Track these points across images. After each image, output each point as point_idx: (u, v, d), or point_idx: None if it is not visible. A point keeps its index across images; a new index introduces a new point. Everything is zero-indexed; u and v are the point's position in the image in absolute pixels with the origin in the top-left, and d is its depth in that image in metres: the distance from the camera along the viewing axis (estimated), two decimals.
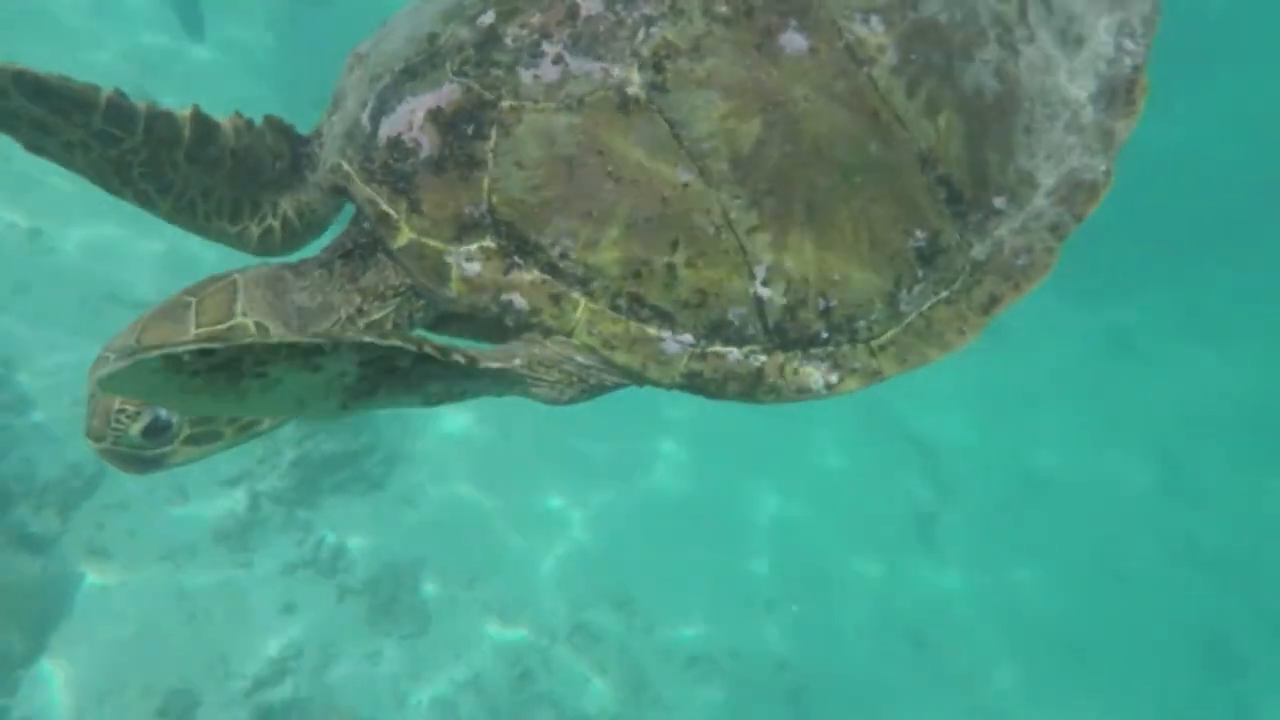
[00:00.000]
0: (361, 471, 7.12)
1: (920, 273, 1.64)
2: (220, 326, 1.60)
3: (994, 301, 1.69)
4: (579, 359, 1.60)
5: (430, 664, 6.36)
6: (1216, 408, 11.07)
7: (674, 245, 1.53)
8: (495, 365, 1.48)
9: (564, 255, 1.54)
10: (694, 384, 1.60)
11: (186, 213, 1.76)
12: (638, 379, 1.63)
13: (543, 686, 6.55)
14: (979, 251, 1.70)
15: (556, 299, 1.55)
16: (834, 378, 1.62)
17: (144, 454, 1.59)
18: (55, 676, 5.21)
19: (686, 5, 1.57)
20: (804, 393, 1.62)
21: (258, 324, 1.63)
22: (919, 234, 1.63)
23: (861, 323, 1.62)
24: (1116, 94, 1.80)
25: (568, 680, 6.66)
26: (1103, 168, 1.76)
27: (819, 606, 7.78)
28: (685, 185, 1.52)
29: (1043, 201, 1.73)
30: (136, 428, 1.55)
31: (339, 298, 1.72)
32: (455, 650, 6.50)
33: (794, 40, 1.57)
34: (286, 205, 1.87)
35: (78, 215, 7.27)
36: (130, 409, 1.55)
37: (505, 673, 6.56)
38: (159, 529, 6.32)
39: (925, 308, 1.67)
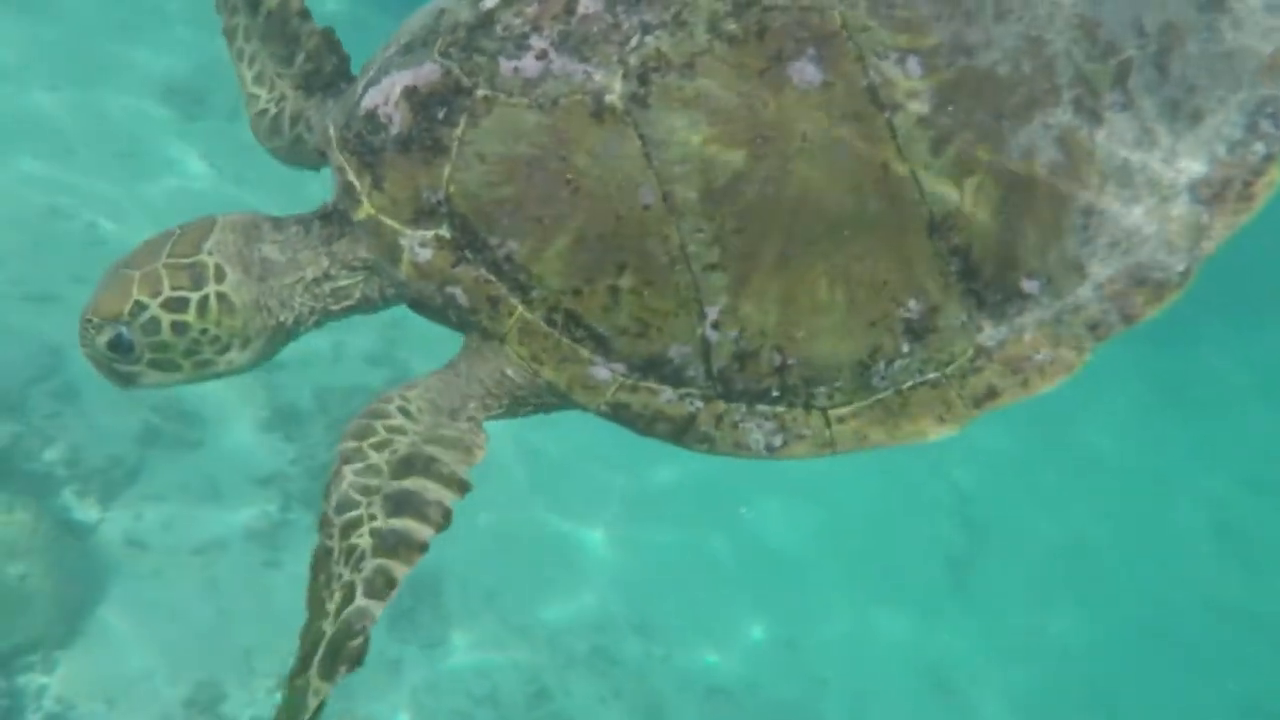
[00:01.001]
0: None
1: (906, 347, 1.53)
2: (184, 261, 1.72)
3: (991, 395, 1.56)
4: (508, 371, 1.60)
5: (448, 676, 6.49)
6: (1276, 470, 10.82)
7: (621, 268, 1.49)
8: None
9: (509, 258, 1.52)
10: (619, 416, 1.58)
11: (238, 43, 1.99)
12: (564, 400, 1.61)
13: (558, 705, 6.66)
14: (990, 336, 1.56)
15: (494, 301, 1.55)
16: (777, 440, 1.56)
17: (117, 367, 1.74)
18: (88, 661, 5.47)
19: (692, 17, 1.48)
20: (741, 449, 1.57)
21: (217, 265, 1.72)
22: (912, 304, 1.52)
23: (821, 388, 1.54)
24: (1230, 185, 1.55)
25: (583, 702, 6.74)
26: (1180, 268, 1.54)
27: (840, 647, 7.72)
28: (646, 208, 1.47)
29: (1089, 294, 1.55)
30: (102, 340, 1.71)
31: (308, 257, 1.77)
32: (473, 663, 6.62)
33: (806, 71, 1.46)
34: (290, 106, 1.98)
35: (134, 211, 7.64)
36: (96, 320, 1.71)
37: (522, 689, 6.63)
38: (193, 523, 6.59)
39: (905, 386, 1.56)
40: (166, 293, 1.70)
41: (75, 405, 6.78)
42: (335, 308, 1.82)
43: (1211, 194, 1.55)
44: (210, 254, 1.74)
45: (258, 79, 2.00)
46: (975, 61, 1.49)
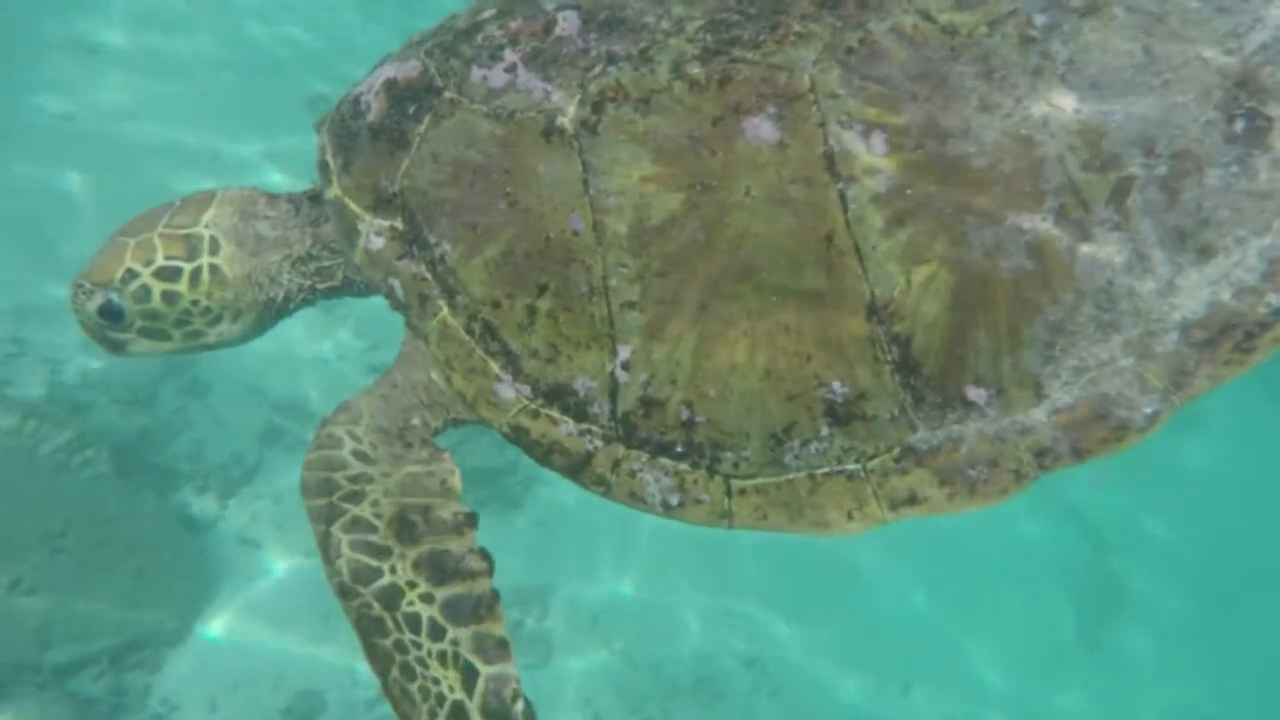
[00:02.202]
0: (500, 489, 7.10)
1: (824, 430, 1.42)
2: (180, 232, 1.72)
3: (911, 501, 1.44)
4: (433, 374, 1.60)
5: (550, 698, 6.17)
6: None
7: (542, 289, 1.46)
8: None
9: (442, 259, 1.51)
10: (519, 440, 1.53)
11: None
12: (472, 413, 1.57)
13: None
14: (923, 439, 1.43)
15: (424, 299, 1.54)
16: (674, 499, 1.48)
17: (108, 334, 1.74)
18: (195, 661, 5.34)
19: (659, 55, 1.44)
20: (636, 501, 1.50)
21: (213, 238, 1.73)
22: (836, 386, 1.40)
23: (728, 454, 1.45)
24: (1228, 333, 1.37)
25: None
26: (1149, 410, 1.39)
27: (953, 701, 7.10)
28: (575, 234, 1.43)
29: (1042, 417, 1.42)
30: (92, 305, 1.71)
31: (295, 235, 1.79)
32: (576, 687, 6.29)
33: (761, 128, 1.39)
34: None
35: None
36: (87, 285, 1.71)
37: (624, 718, 6.27)
38: (306, 526, 6.42)
39: (819, 471, 1.44)
40: (159, 261, 1.70)
41: (202, 401, 6.87)
42: (321, 286, 1.83)
43: (1205, 338, 1.39)
44: (207, 226, 1.74)
45: None
46: (947, 149, 1.38)
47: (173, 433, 6.59)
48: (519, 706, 1.45)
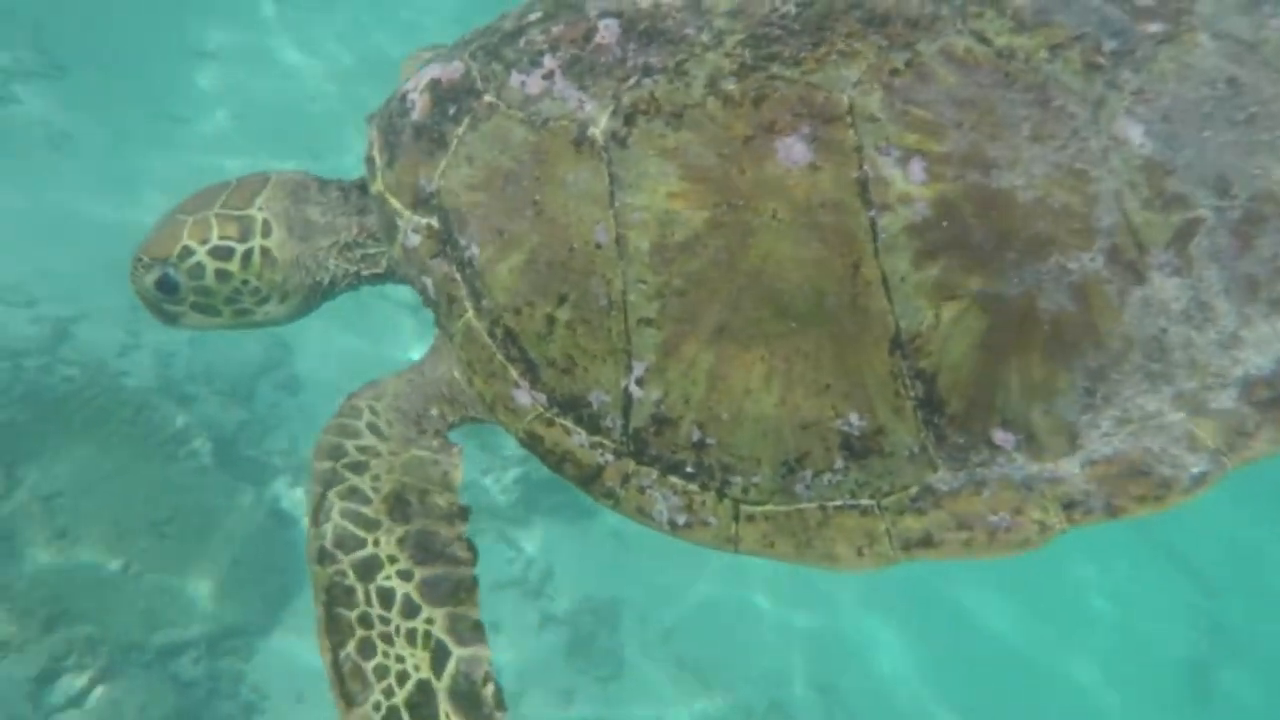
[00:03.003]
0: (574, 497, 7.17)
1: (839, 462, 1.39)
2: (235, 212, 1.79)
3: (926, 543, 1.38)
4: (456, 373, 1.62)
5: (620, 714, 6.23)
6: None
7: (562, 299, 1.46)
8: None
9: (470, 262, 1.53)
10: (533, 447, 1.55)
11: None
12: (491, 415, 1.58)
13: None
14: (943, 479, 1.38)
15: (452, 300, 1.57)
16: (681, 519, 1.47)
17: (163, 306, 1.82)
18: (283, 653, 5.60)
19: (695, 69, 1.42)
20: (644, 517, 1.49)
21: (265, 221, 1.80)
22: (854, 419, 1.37)
23: (738, 478, 1.43)
24: None
25: None
26: (1196, 470, 1.30)
27: None
28: (598, 246, 1.43)
29: (1075, 468, 1.35)
30: (149, 279, 1.79)
31: (343, 223, 1.85)
32: (646, 704, 6.35)
33: (794, 149, 1.35)
34: None
35: None
36: (146, 259, 1.79)
37: None
38: None
39: (831, 503, 1.41)
40: (214, 241, 1.77)
41: (297, 397, 7.15)
42: (366, 273, 1.88)
43: (1270, 397, 1.30)
44: (260, 209, 1.80)
45: None
46: (990, 180, 1.32)
47: (268, 427, 6.91)
48: (489, 690, 1.41)
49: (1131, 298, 1.31)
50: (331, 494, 1.54)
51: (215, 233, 1.77)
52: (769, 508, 1.43)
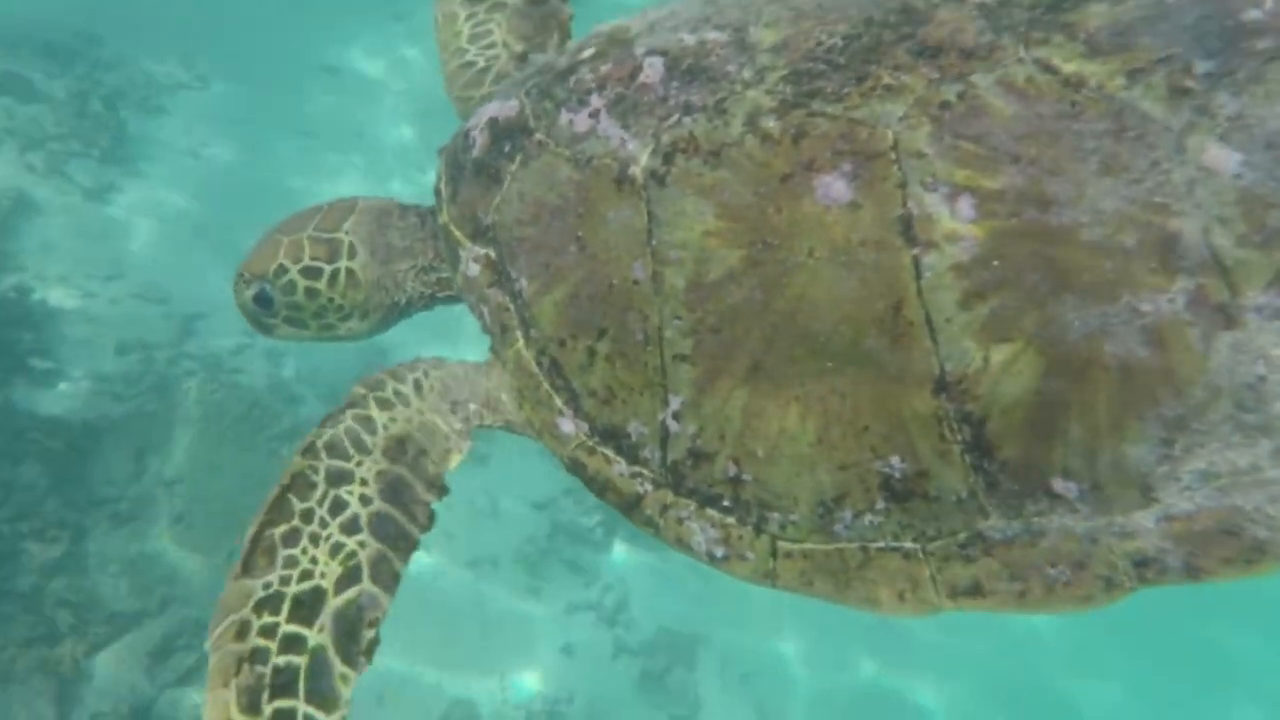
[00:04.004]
0: None
1: (880, 504, 1.38)
2: (325, 235, 1.96)
3: (975, 592, 1.36)
4: (504, 396, 1.70)
5: None
6: None
7: (602, 333, 1.52)
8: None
9: (520, 293, 1.62)
10: (577, 473, 1.61)
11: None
12: (538, 439, 1.66)
13: None
14: (996, 527, 1.35)
15: (505, 329, 1.67)
16: (719, 551, 1.50)
17: (259, 318, 2.01)
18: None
19: (734, 107, 1.44)
20: (683, 548, 1.52)
21: (351, 244, 1.97)
22: (895, 461, 1.36)
23: (775, 515, 1.45)
24: None
25: None
26: None
27: None
28: (636, 282, 1.47)
29: (1149, 523, 1.29)
30: (249, 293, 1.98)
31: (420, 247, 1.98)
32: None
33: (833, 187, 1.34)
34: (499, 66, 2.20)
35: None
36: (246, 275, 1.98)
37: None
38: (471, 536, 7.03)
39: (873, 545, 1.41)
40: (305, 261, 1.95)
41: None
42: (440, 295, 2.01)
43: None
44: (347, 233, 1.98)
45: (473, 37, 2.19)
46: (1049, 217, 1.26)
47: None
48: (370, 635, 1.47)
49: (1219, 342, 1.23)
50: (349, 413, 1.68)
51: (307, 253, 1.94)
52: (807, 545, 1.44)
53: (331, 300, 1.96)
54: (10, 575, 4.79)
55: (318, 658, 1.43)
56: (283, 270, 1.95)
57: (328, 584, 1.49)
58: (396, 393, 1.72)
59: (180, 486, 5.65)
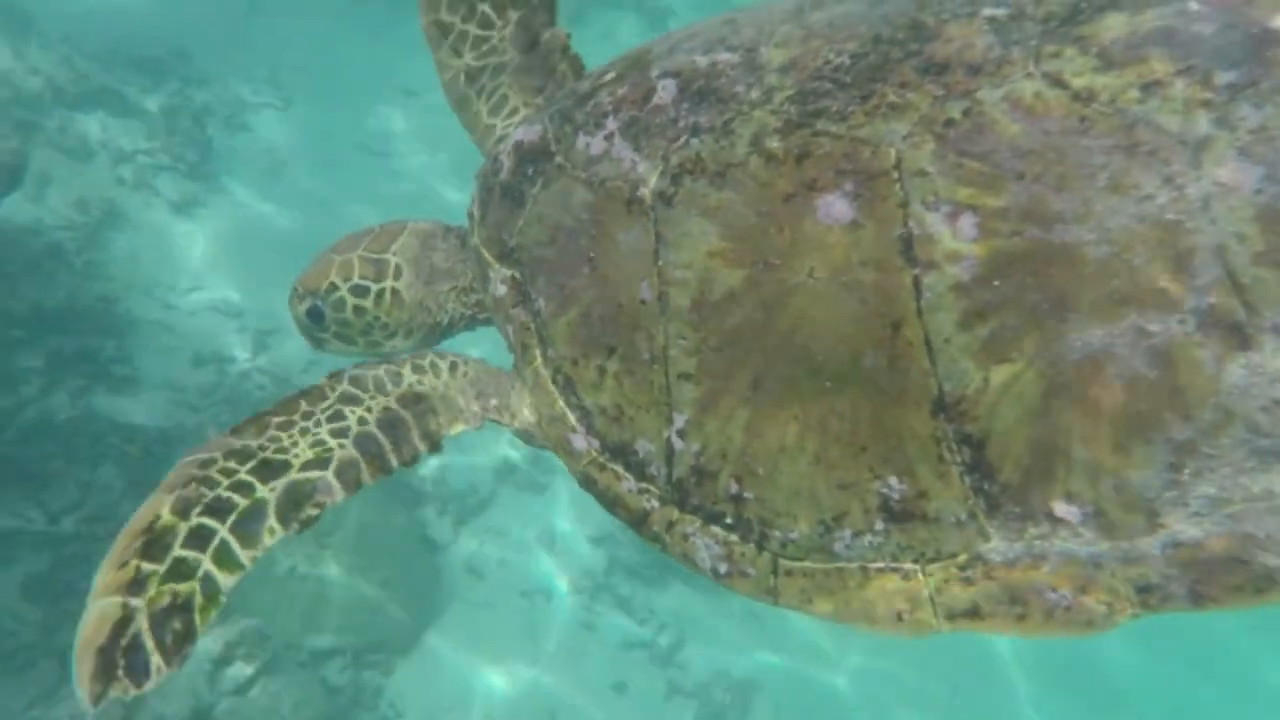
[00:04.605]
0: None
1: (879, 524, 1.40)
2: (373, 256, 2.09)
3: (972, 615, 1.36)
4: (525, 410, 1.76)
5: None
6: None
7: (610, 352, 1.58)
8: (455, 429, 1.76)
9: (539, 313, 1.70)
10: (589, 488, 1.67)
11: (474, 86, 2.16)
12: (555, 454, 1.73)
13: None
14: (996, 549, 1.35)
15: (525, 347, 1.74)
16: (722, 568, 1.53)
17: (312, 332, 2.15)
18: (420, 675, 6.06)
19: (741, 128, 1.46)
20: (689, 563, 1.57)
21: (398, 265, 2.09)
22: (894, 482, 1.37)
23: (776, 532, 1.48)
24: None
25: None
26: None
27: None
28: (643, 302, 1.53)
29: (1154, 549, 1.27)
30: (302, 308, 2.12)
31: (461, 269, 2.09)
32: None
33: (835, 206, 1.35)
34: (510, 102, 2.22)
35: None
36: (300, 291, 2.12)
37: None
38: (526, 566, 7.11)
39: (872, 565, 1.42)
40: (355, 279, 2.08)
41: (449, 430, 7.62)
42: (480, 316, 2.11)
43: None
44: (395, 254, 2.10)
45: (493, 110, 2.20)
46: (1053, 235, 1.25)
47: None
48: (312, 512, 1.54)
49: (1232, 364, 1.21)
50: (384, 366, 1.82)
51: (356, 272, 2.08)
52: (807, 564, 1.47)
53: (377, 318, 2.09)
54: (84, 575, 4.98)
55: (258, 505, 1.53)
56: (334, 288, 2.08)
57: (296, 462, 1.60)
58: (432, 364, 1.86)
59: None
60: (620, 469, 1.62)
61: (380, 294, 2.08)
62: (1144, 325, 1.23)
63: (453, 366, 1.87)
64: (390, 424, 1.71)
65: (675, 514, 1.57)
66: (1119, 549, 1.29)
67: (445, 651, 6.35)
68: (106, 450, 5.60)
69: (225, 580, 1.46)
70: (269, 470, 1.57)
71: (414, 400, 1.76)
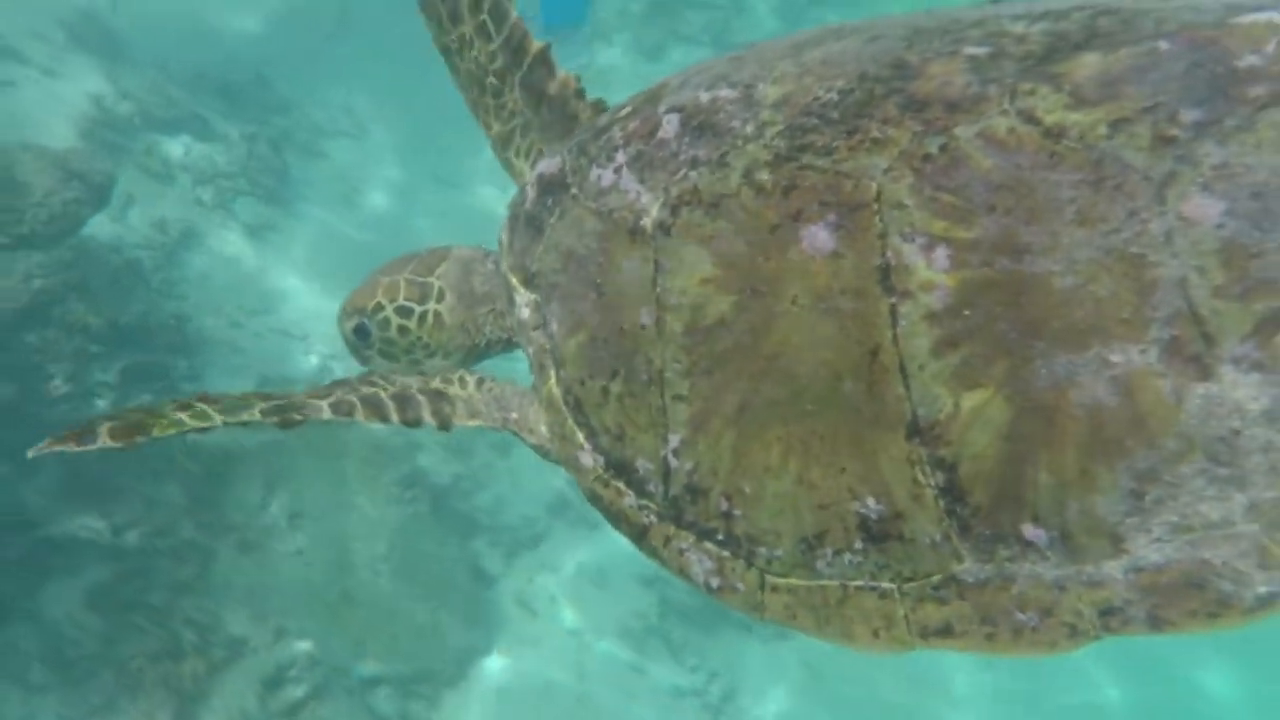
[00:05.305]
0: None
1: (858, 544, 1.47)
2: (418, 279, 2.24)
3: (945, 633, 1.43)
4: (542, 427, 1.88)
5: None
6: None
7: (613, 374, 1.68)
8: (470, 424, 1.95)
9: (553, 336, 1.80)
10: (595, 504, 1.77)
11: (503, 133, 2.33)
12: (565, 470, 1.84)
13: None
14: (969, 570, 1.41)
15: (542, 368, 1.84)
16: (714, 582, 1.62)
17: (358, 349, 2.30)
18: (465, 708, 6.11)
19: (735, 160, 1.55)
20: (685, 577, 1.65)
21: (441, 289, 2.23)
22: (871, 503, 1.44)
23: (762, 550, 1.56)
24: None
25: None
26: (1262, 590, 1.25)
27: None
28: (643, 327, 1.62)
29: (1117, 573, 1.33)
30: (349, 325, 2.28)
31: (497, 294, 2.18)
32: None
33: (818, 237, 1.43)
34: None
35: None
36: (348, 309, 2.28)
37: None
38: (576, 603, 7.13)
39: (852, 583, 1.50)
40: (400, 301, 2.24)
41: (508, 460, 7.79)
42: (515, 339, 2.18)
43: None
44: (439, 278, 2.25)
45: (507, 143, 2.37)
46: (1022, 266, 1.31)
47: (479, 485, 7.60)
48: (294, 417, 1.82)
49: (1192, 393, 1.26)
50: (419, 376, 2.07)
51: (401, 294, 2.23)
52: (791, 581, 1.55)
53: (419, 338, 2.23)
54: (145, 589, 5.20)
55: (246, 401, 1.85)
56: (380, 308, 2.24)
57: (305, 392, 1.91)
58: (460, 378, 2.06)
59: (302, 521, 6.00)
60: (623, 485, 1.71)
61: (423, 316, 2.22)
62: (1108, 355, 1.29)
63: (480, 381, 2.06)
64: (402, 397, 1.94)
65: (672, 529, 1.65)
66: (1084, 572, 1.35)
67: (491, 686, 6.39)
68: (171, 467, 5.81)
69: (190, 422, 1.76)
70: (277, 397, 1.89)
71: (434, 394, 1.99)
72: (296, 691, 4.89)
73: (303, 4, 10.48)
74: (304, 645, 5.15)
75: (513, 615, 6.97)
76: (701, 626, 7.18)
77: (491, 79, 2.28)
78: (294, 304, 7.77)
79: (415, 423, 1.89)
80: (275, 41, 10.06)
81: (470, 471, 7.62)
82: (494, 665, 6.51)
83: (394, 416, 1.89)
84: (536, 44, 2.23)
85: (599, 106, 2.25)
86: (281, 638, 5.26)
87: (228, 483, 5.98)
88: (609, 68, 10.61)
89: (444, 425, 1.94)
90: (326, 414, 1.84)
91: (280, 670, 4.94)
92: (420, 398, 1.95)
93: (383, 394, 1.94)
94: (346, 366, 7.46)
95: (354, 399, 1.90)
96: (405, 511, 6.71)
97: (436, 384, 2.01)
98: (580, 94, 2.25)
